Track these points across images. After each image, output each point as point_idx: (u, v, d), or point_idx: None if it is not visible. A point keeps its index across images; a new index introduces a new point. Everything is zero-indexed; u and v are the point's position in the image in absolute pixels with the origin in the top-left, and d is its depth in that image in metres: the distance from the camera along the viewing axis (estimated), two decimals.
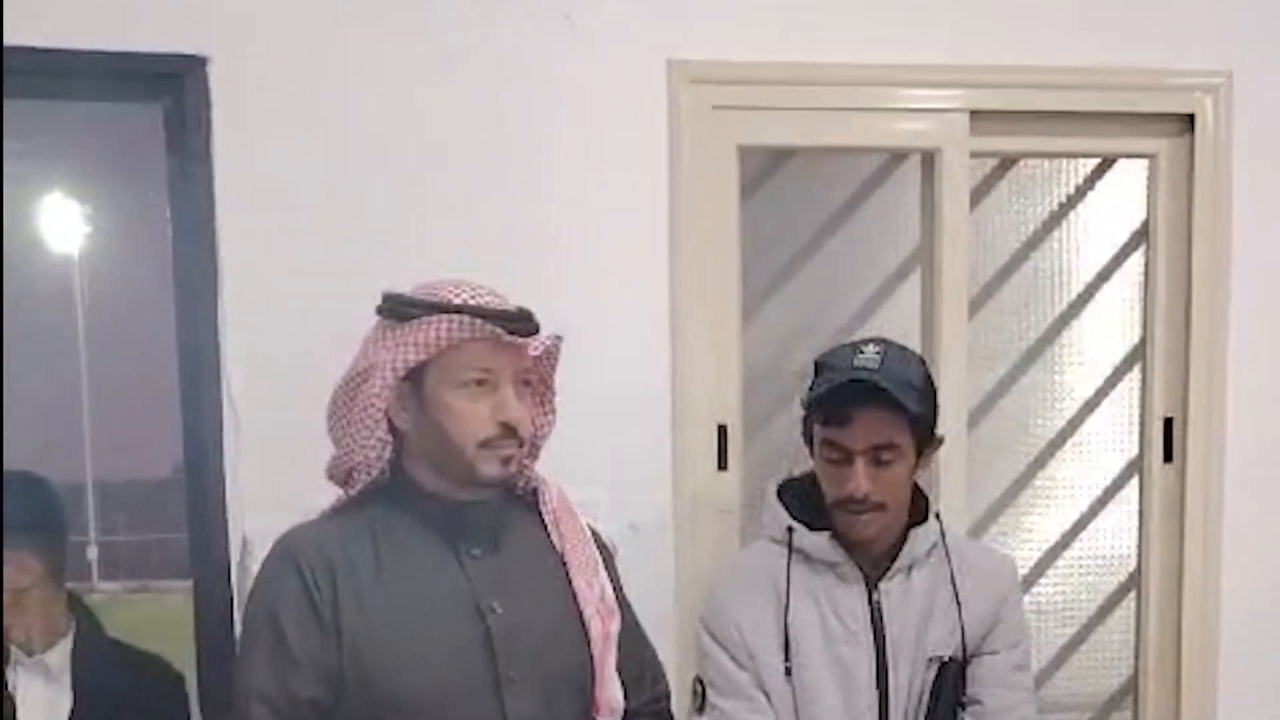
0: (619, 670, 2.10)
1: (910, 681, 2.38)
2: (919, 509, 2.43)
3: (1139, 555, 3.18)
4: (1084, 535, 3.27)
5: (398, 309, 2.00)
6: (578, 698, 2.05)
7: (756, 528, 2.52)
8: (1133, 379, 3.21)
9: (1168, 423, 3.10)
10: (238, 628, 2.64)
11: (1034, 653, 3.21)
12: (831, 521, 2.38)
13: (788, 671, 2.36)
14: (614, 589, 2.15)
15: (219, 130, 2.60)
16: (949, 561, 2.42)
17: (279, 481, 2.57)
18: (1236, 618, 3.08)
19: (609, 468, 2.64)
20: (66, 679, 2.69)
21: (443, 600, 1.98)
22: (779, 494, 2.48)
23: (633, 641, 2.18)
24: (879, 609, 2.38)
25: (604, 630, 2.08)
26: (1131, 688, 3.23)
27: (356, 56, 2.67)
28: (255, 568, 2.58)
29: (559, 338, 2.06)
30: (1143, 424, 3.15)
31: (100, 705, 2.68)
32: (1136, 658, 3.20)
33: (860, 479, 2.29)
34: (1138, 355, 3.17)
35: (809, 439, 2.39)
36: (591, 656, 2.06)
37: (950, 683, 2.38)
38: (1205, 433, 3.07)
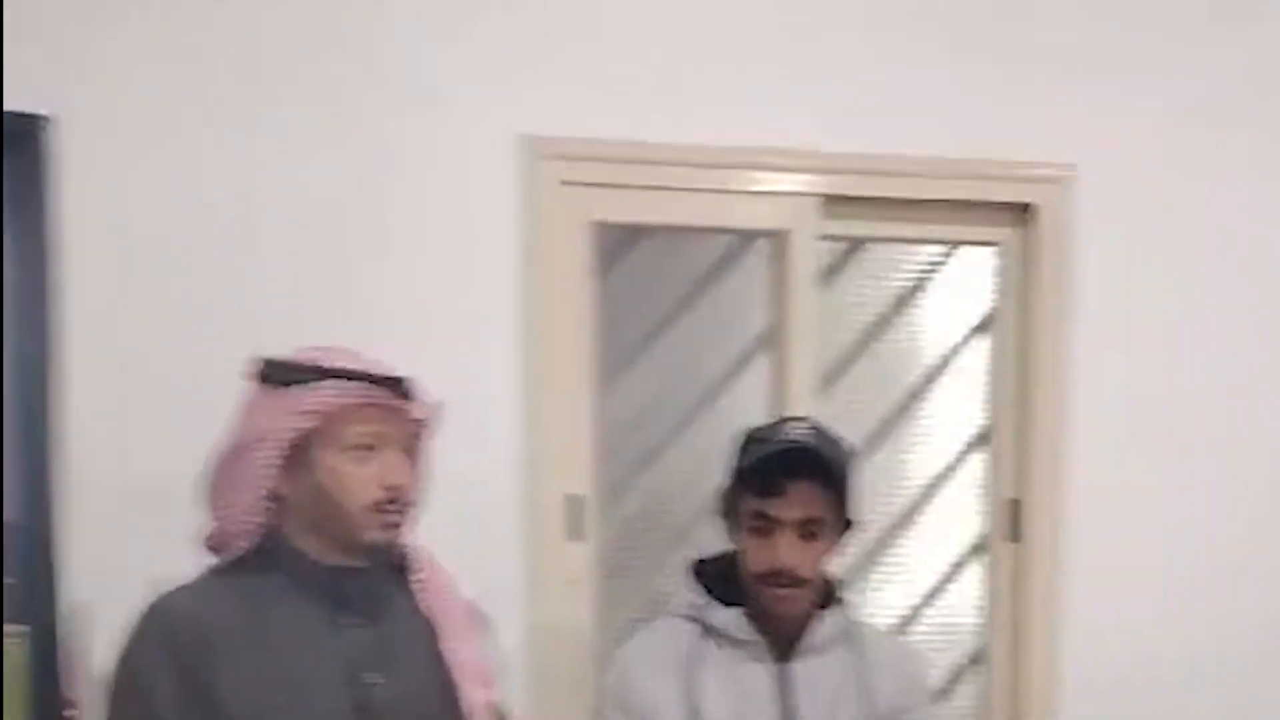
0: None
1: None
2: (828, 591, 2.43)
3: (986, 630, 3.25)
4: (929, 611, 3.31)
5: (282, 375, 1.97)
6: None
7: (616, 599, 2.44)
8: (979, 460, 3.27)
9: (1014, 504, 3.18)
10: (64, 682, 2.62)
11: None
12: (745, 598, 2.35)
13: None
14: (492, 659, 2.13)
15: (62, 189, 2.59)
16: (858, 646, 2.41)
17: (119, 545, 2.56)
18: (1077, 690, 3.17)
19: (459, 539, 2.63)
20: None
21: (318, 670, 1.95)
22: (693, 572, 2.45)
23: None
24: (789, 689, 2.35)
25: (482, 698, 2.06)
26: None
27: (205, 122, 2.68)
28: (93, 629, 2.58)
29: (439, 404, 2.06)
30: (988, 505, 3.23)
31: None
32: None
33: (789, 550, 2.28)
34: (984, 437, 3.25)
35: (730, 513, 2.37)
36: None
37: None
38: (1048, 515, 3.16)
